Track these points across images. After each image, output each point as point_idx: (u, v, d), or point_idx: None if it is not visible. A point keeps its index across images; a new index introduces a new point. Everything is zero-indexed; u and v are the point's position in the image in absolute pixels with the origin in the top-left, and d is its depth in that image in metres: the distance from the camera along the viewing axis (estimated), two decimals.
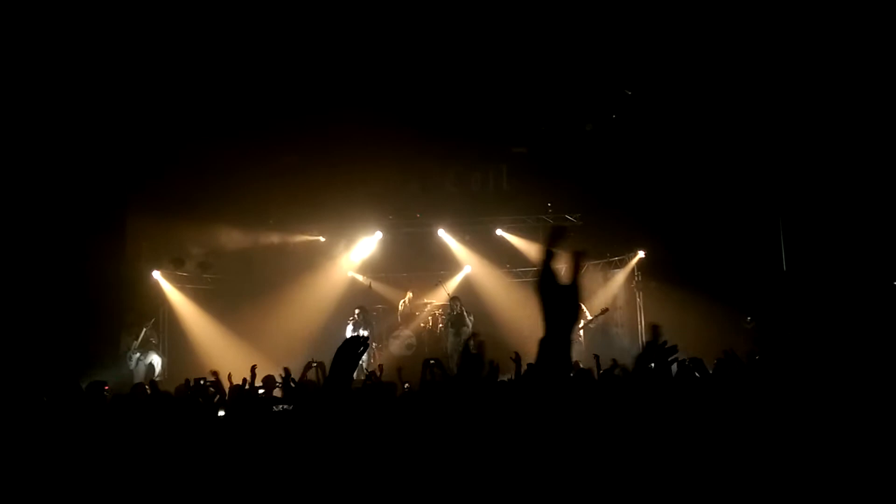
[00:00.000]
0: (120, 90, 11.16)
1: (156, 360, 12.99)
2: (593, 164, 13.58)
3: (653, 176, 13.11)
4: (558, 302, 1.95)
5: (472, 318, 13.42)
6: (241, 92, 11.73)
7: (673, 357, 2.16)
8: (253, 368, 6.90)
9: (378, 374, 7.06)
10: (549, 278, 1.97)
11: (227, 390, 6.81)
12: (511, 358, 7.07)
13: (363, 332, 13.44)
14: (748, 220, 12.96)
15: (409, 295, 14.95)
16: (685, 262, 12.77)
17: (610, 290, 14.43)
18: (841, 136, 10.80)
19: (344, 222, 15.16)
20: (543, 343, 1.97)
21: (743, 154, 12.31)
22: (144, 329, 12.90)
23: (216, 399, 6.81)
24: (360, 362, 12.90)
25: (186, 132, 12.35)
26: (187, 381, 6.07)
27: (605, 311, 13.37)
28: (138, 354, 12.66)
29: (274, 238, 15.19)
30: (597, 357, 7.52)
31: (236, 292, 14.75)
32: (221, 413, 6.21)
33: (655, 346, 2.13)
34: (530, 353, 3.48)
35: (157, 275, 13.77)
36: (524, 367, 5.73)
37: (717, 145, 12.43)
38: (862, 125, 10.48)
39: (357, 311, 13.60)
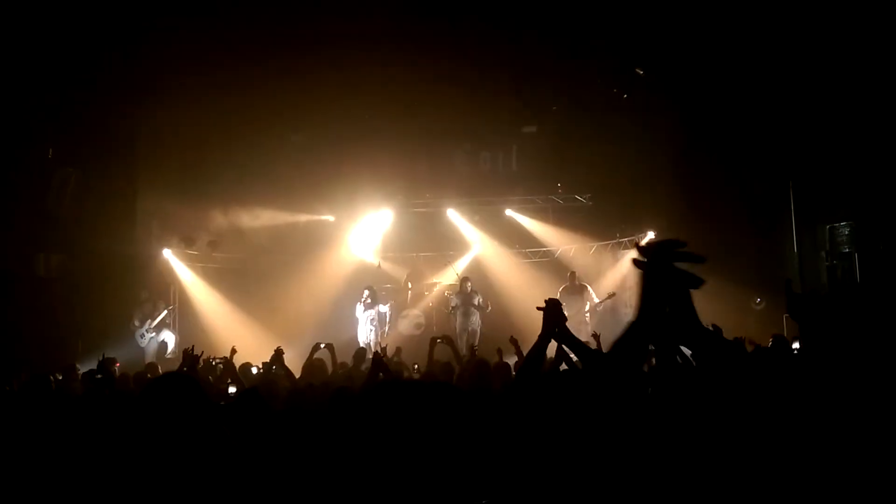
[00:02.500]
0: (133, 70, 11.18)
1: (169, 336, 13.08)
2: (603, 143, 13.43)
3: (663, 155, 12.99)
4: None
5: (480, 298, 13.44)
6: (248, 69, 11.69)
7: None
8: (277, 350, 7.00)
9: (385, 354, 7.08)
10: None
11: (235, 367, 6.88)
12: (510, 341, 7.11)
13: (382, 308, 13.61)
14: (758, 200, 12.87)
15: (406, 280, 15.22)
16: (694, 242, 12.64)
17: (619, 270, 14.38)
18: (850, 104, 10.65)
19: (353, 202, 15.14)
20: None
21: (752, 132, 12.18)
22: (166, 310, 12.95)
23: (222, 375, 6.88)
24: (368, 342, 12.97)
25: (193, 111, 12.33)
26: (187, 354, 6.02)
27: (611, 295, 13.42)
28: (153, 334, 12.72)
29: (283, 217, 15.20)
30: (597, 336, 7.48)
31: (245, 271, 14.81)
32: (233, 389, 6.26)
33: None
34: (535, 333, 3.45)
35: (167, 253, 13.84)
36: (524, 351, 5.71)
37: (724, 123, 12.31)
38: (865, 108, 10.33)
39: (366, 291, 13.64)
